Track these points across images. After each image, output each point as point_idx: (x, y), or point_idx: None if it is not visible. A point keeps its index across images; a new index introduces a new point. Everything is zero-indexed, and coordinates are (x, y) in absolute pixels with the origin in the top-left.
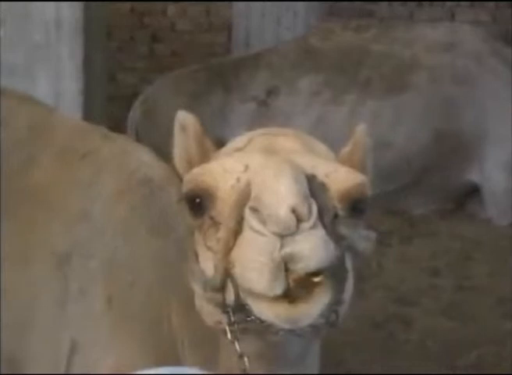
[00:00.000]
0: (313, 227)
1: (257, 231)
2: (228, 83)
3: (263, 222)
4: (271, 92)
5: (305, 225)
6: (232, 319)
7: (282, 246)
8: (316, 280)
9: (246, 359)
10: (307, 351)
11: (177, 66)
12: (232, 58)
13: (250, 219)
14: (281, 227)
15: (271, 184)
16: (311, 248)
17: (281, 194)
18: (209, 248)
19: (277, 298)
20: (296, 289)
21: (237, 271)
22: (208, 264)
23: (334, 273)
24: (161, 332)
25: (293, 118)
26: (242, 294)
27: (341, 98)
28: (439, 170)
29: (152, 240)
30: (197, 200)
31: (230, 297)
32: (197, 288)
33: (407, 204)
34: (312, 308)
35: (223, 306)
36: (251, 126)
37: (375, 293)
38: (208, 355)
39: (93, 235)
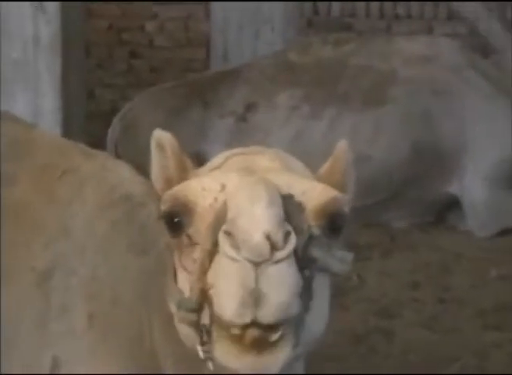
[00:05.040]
0: (287, 258)
1: (230, 257)
2: (207, 98)
3: (236, 247)
4: (249, 107)
5: (280, 254)
6: (205, 339)
7: (256, 276)
8: (274, 339)
9: None
10: (289, 370)
11: (156, 81)
12: (211, 73)
13: (224, 243)
14: (254, 254)
15: (246, 208)
16: (278, 300)
17: (256, 219)
18: (185, 268)
19: (243, 348)
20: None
21: (212, 296)
22: (184, 284)
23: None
24: (144, 349)
25: (272, 133)
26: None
27: (320, 112)
28: (418, 183)
29: (133, 256)
30: (176, 219)
31: (205, 318)
32: (171, 306)
33: (387, 217)
34: (278, 360)
35: (196, 326)
36: (230, 141)
37: (356, 306)
38: (194, 371)
39: (73, 252)
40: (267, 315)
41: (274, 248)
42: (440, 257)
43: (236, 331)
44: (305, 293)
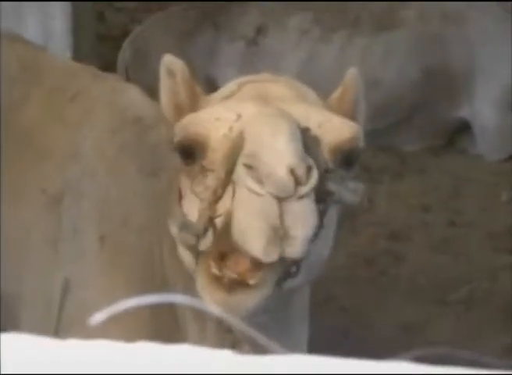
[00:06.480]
0: (310, 193)
1: (253, 191)
2: (217, 21)
3: (260, 181)
4: (260, 30)
5: (303, 189)
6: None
7: (280, 213)
8: (252, 282)
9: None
10: (289, 298)
11: (167, 5)
12: None
13: (245, 177)
14: (279, 188)
15: (268, 141)
16: (303, 235)
17: (279, 154)
18: (196, 194)
19: (217, 285)
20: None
21: (235, 232)
22: (192, 209)
23: None
24: (154, 271)
25: (283, 56)
26: None
27: (331, 35)
28: (429, 107)
29: (143, 179)
30: (189, 149)
31: (206, 244)
32: (172, 227)
33: (397, 141)
34: (249, 301)
35: (194, 250)
36: (241, 64)
37: (366, 229)
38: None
39: (84, 175)
40: (294, 251)
41: (298, 182)
42: (451, 180)
43: (216, 272)
44: (317, 225)
